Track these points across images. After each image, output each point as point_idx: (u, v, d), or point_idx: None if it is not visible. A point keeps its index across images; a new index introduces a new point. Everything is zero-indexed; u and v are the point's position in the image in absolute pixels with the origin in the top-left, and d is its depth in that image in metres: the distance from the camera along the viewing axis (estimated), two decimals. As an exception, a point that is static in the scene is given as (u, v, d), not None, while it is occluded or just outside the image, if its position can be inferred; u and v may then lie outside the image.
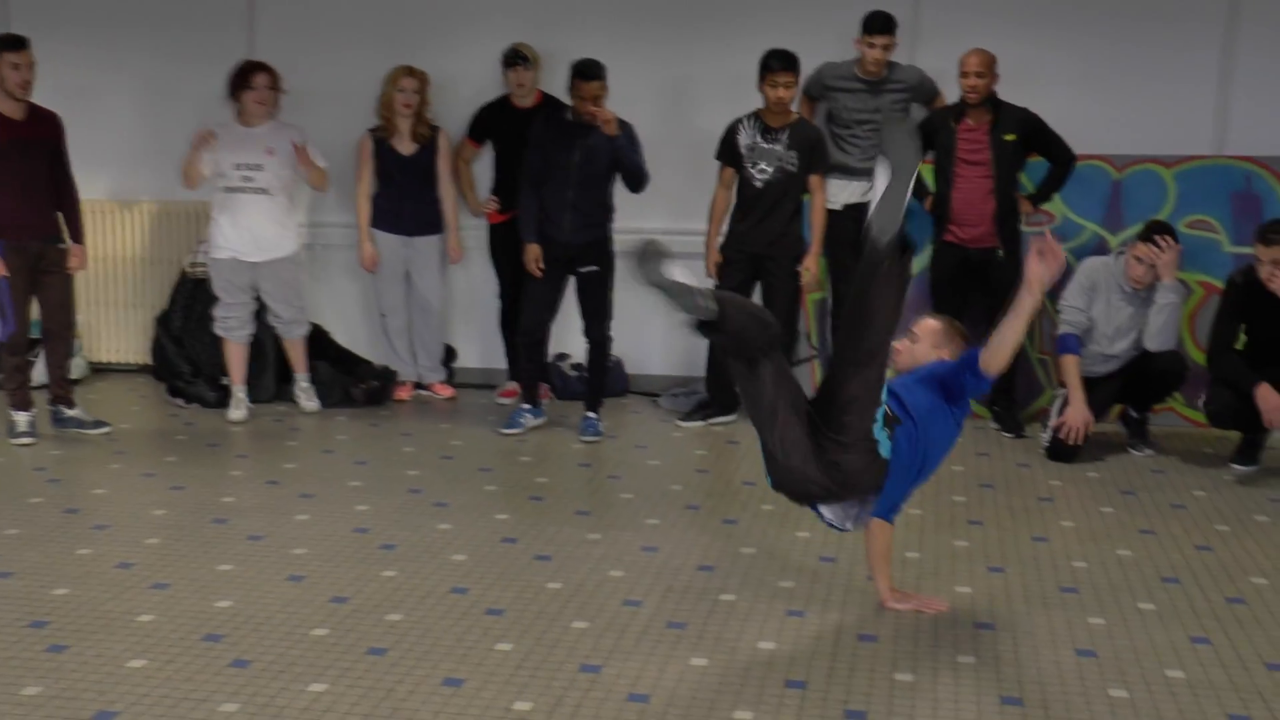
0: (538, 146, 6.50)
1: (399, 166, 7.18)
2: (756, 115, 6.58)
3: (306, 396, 7.13)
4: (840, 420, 3.92)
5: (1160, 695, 3.71)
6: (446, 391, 7.50)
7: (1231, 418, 5.99)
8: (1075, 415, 6.09)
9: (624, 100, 6.65)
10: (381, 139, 7.17)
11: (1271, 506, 5.54)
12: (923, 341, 4.37)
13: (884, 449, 3.97)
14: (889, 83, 6.74)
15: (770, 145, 6.52)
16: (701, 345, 6.85)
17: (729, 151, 6.63)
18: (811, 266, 6.64)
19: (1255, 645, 4.07)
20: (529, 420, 6.70)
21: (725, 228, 6.74)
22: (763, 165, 6.53)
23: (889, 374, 4.03)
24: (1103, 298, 6.26)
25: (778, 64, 6.40)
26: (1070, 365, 6.24)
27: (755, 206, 6.59)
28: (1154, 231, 6.15)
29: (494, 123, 7.24)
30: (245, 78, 6.79)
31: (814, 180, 6.61)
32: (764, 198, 6.56)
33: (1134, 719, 3.56)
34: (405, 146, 7.17)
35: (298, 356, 7.15)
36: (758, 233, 6.60)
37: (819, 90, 6.91)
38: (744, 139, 6.56)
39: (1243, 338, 6.07)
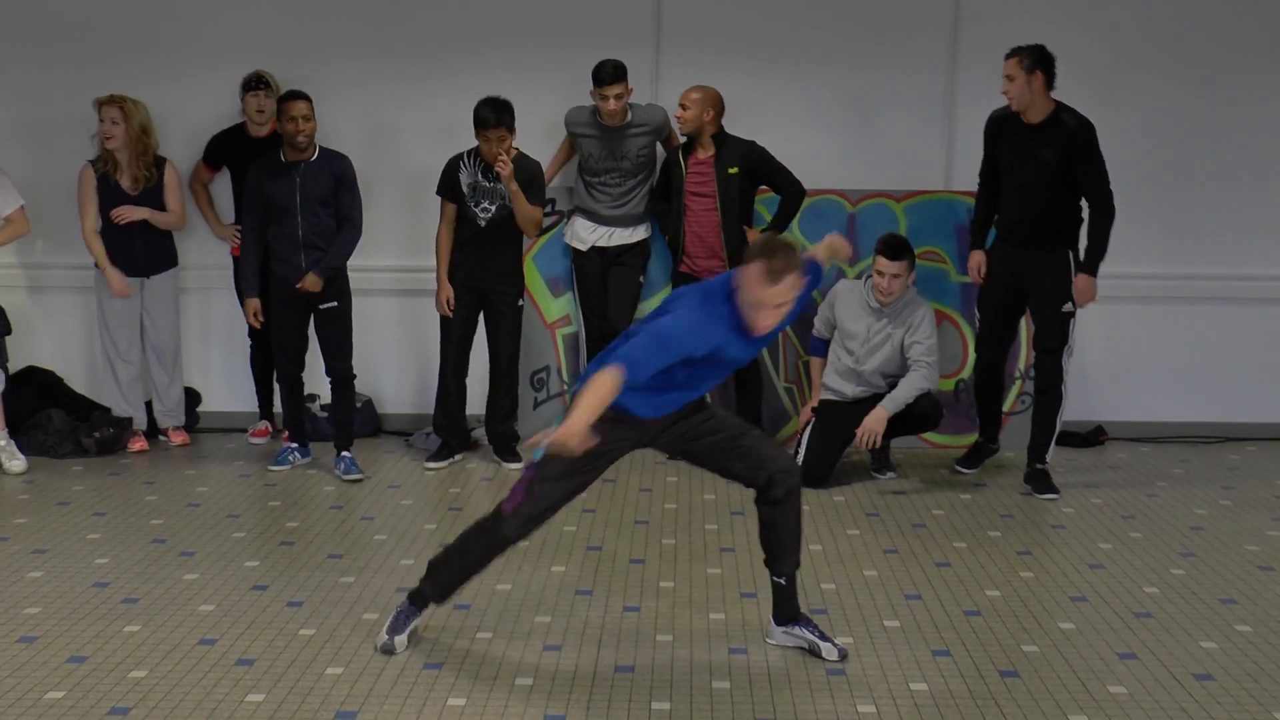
0: (255, 192, 6.42)
1: (125, 203, 6.85)
2: (476, 153, 6.53)
3: (8, 455, 6.55)
4: None
5: (906, 709, 3.86)
6: (179, 438, 7.20)
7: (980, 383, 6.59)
8: (873, 420, 6.24)
9: (338, 137, 6.78)
10: (106, 174, 6.83)
11: (1003, 522, 5.82)
12: None
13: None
14: (631, 127, 6.77)
15: (493, 184, 6.50)
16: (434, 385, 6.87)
17: (449, 187, 6.58)
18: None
19: (990, 654, 4.27)
20: (297, 459, 6.67)
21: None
22: (485, 204, 6.52)
23: None
24: (844, 305, 6.54)
25: (493, 117, 6.29)
26: (815, 366, 6.78)
27: (479, 243, 6.57)
28: (888, 245, 6.39)
29: (229, 151, 7.01)
30: None
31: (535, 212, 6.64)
32: (487, 235, 6.55)
33: (881, 733, 3.70)
34: (130, 184, 6.84)
35: None
36: (480, 268, 6.59)
37: (571, 135, 6.94)
38: (465, 177, 6.52)
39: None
